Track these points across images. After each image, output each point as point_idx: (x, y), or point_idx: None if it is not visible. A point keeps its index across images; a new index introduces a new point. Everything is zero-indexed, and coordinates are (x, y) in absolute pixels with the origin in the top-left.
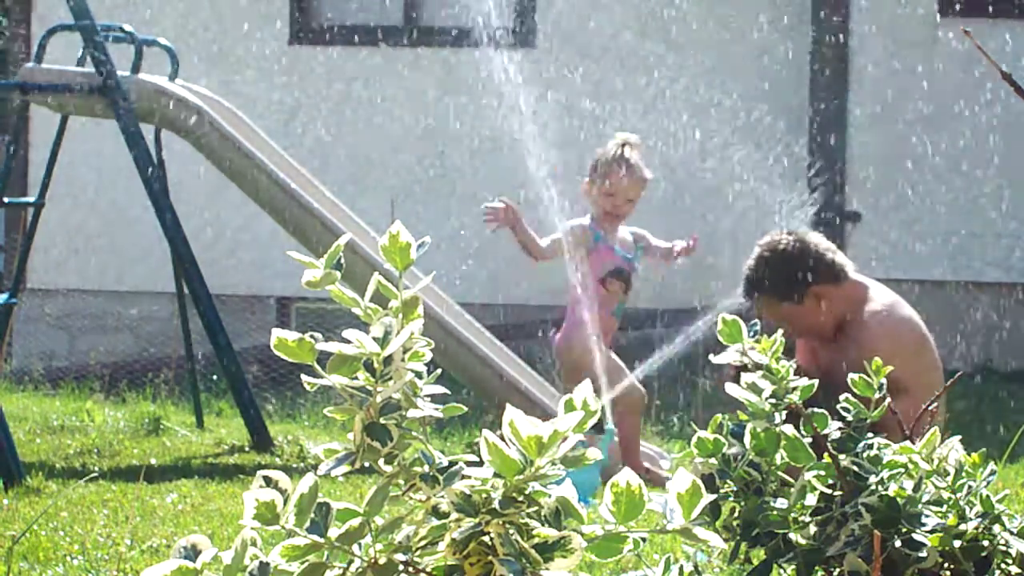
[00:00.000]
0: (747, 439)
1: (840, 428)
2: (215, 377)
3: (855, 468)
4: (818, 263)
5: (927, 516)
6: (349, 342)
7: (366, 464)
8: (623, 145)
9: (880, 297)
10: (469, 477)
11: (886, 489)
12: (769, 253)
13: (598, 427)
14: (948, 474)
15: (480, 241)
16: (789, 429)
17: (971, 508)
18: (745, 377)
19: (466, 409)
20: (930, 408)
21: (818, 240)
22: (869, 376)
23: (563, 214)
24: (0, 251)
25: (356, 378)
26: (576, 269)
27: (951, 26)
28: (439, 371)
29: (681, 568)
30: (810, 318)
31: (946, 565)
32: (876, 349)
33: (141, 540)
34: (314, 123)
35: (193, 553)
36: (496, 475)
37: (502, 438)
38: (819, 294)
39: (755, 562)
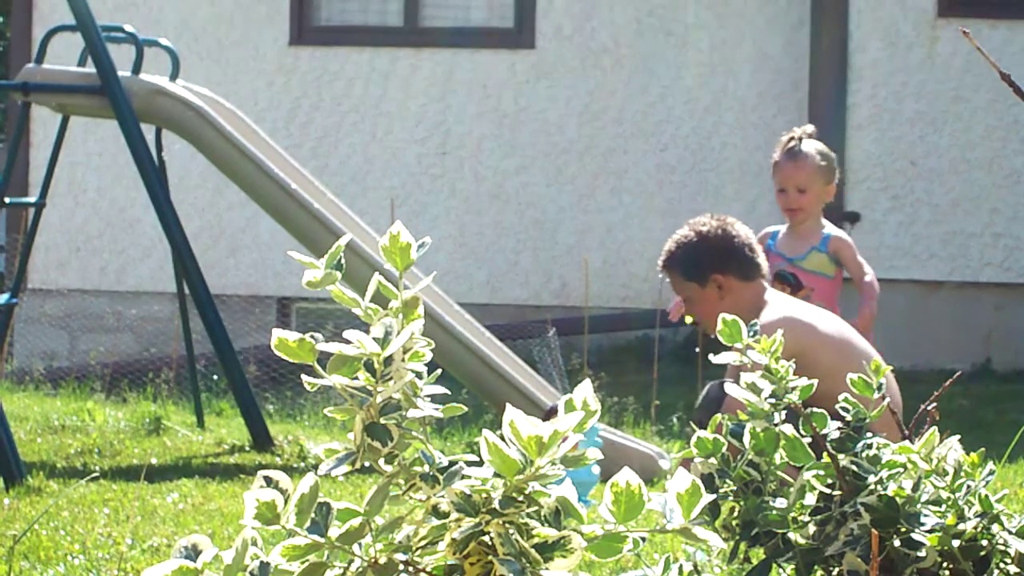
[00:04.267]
0: (746, 439)
1: (839, 428)
2: (216, 377)
3: (854, 468)
4: (731, 253)
5: (926, 516)
6: (349, 342)
7: (366, 464)
8: (792, 137)
9: (773, 308)
10: (469, 477)
11: (885, 489)
12: (689, 230)
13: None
14: (947, 474)
15: (480, 241)
16: (788, 429)
17: (970, 508)
18: (744, 377)
19: (466, 409)
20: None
21: (743, 233)
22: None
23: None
24: (1, 251)
25: (356, 378)
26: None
27: (950, 26)
28: (439, 371)
29: (681, 567)
30: (708, 305)
31: (945, 565)
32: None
33: (142, 539)
34: (314, 123)
35: (194, 553)
36: (496, 475)
37: (502, 438)
38: (721, 283)
39: (754, 561)
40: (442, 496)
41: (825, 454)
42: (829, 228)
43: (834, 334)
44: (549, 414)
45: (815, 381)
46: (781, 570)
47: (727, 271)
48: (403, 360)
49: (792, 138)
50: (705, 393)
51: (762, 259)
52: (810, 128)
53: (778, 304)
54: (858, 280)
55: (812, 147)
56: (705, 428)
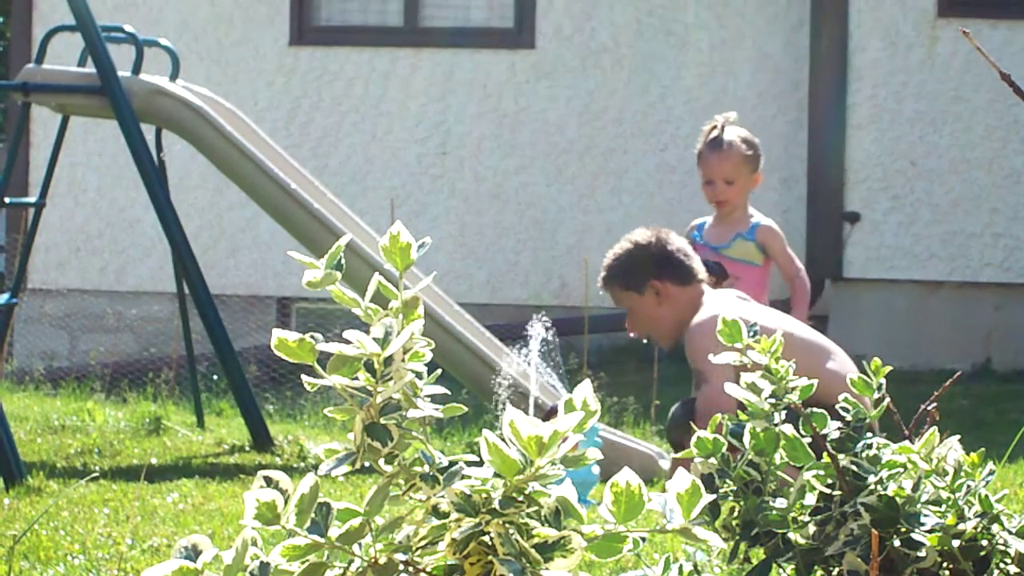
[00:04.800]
0: (746, 439)
1: (839, 428)
2: (216, 377)
3: (854, 468)
4: (667, 259)
5: (926, 516)
6: (349, 342)
7: (366, 464)
8: (715, 126)
9: (706, 307)
10: (469, 477)
11: (885, 489)
12: (626, 243)
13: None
14: (947, 474)
15: (480, 241)
16: (788, 429)
17: (970, 508)
18: (744, 377)
19: (466, 409)
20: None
21: (677, 241)
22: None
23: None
24: (1, 251)
25: (356, 378)
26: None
27: (950, 26)
28: (439, 371)
29: (681, 568)
30: (648, 312)
31: (945, 565)
32: (689, 347)
33: (142, 540)
34: (314, 123)
35: (194, 553)
36: (496, 475)
37: (502, 438)
38: (659, 289)
39: (754, 561)
40: (442, 496)
41: (825, 454)
42: (758, 217)
43: (771, 326)
44: (549, 414)
45: (815, 381)
46: (781, 570)
47: (663, 277)
48: (403, 360)
49: (715, 127)
50: (671, 415)
51: (698, 263)
52: (732, 115)
53: (711, 303)
54: (788, 275)
55: (736, 135)
56: (682, 448)
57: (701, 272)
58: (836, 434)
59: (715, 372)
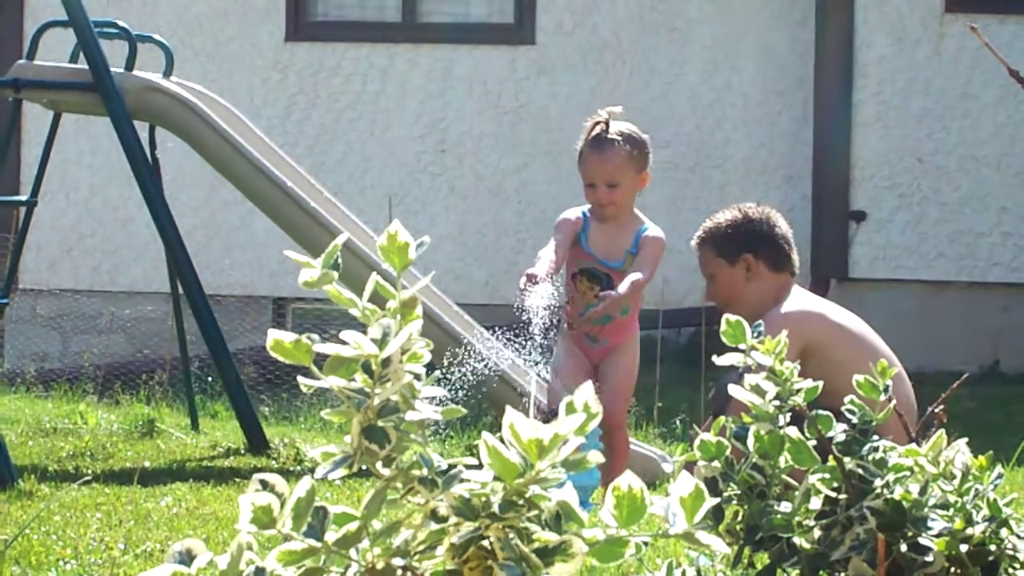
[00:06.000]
0: (751, 442)
1: (845, 431)
2: (210, 379)
3: (860, 471)
4: (768, 240)
5: (933, 520)
6: (346, 343)
7: (364, 467)
8: (599, 120)
9: (793, 300)
10: (468, 481)
11: (892, 492)
12: (735, 211)
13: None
14: (955, 477)
15: (479, 241)
16: (793, 432)
17: (978, 512)
18: (748, 379)
19: (465, 411)
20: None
21: (783, 227)
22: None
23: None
24: None
25: (354, 380)
26: (555, 257)
27: (957, 22)
28: (437, 372)
29: (684, 572)
30: (732, 284)
31: (952, 570)
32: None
33: (135, 544)
34: (311, 120)
35: (188, 557)
36: (496, 478)
37: (502, 441)
38: (751, 265)
39: (759, 566)
40: (441, 500)
41: (831, 457)
42: (644, 223)
43: (852, 329)
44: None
45: (820, 383)
46: (786, 575)
47: (759, 255)
48: (401, 361)
49: (597, 123)
50: (718, 387)
51: (796, 257)
52: (617, 109)
53: (798, 297)
54: (634, 269)
55: (620, 133)
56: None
57: (797, 266)
58: (842, 437)
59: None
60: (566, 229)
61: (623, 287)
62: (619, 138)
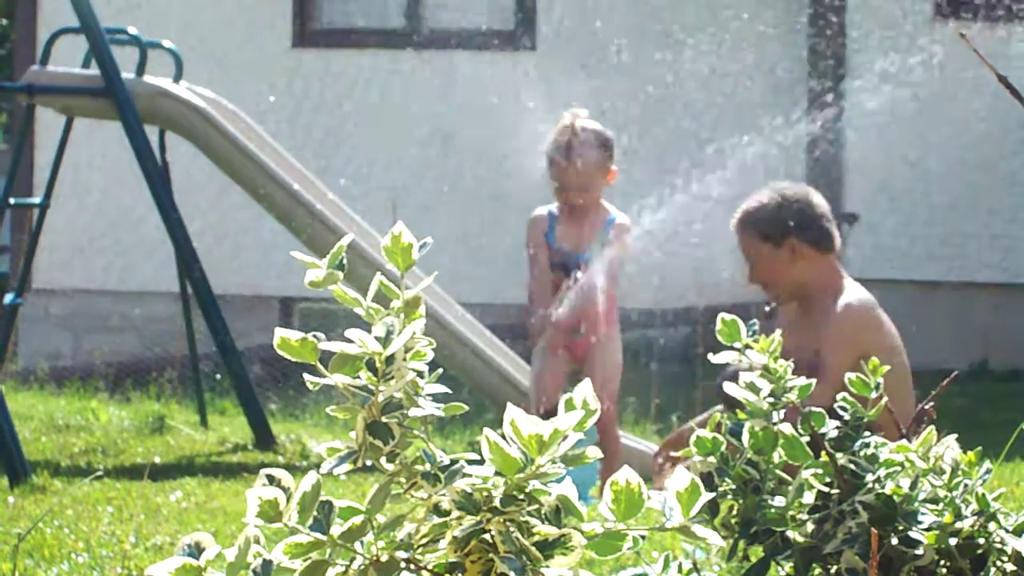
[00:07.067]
0: (745, 438)
1: (837, 427)
2: (219, 376)
3: (852, 466)
4: (812, 221)
5: (923, 514)
6: (351, 342)
7: (368, 463)
8: (567, 126)
9: (855, 291)
10: (470, 475)
11: (883, 487)
12: (774, 193)
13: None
14: (944, 472)
15: (481, 242)
16: (787, 428)
17: (967, 506)
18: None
19: (467, 408)
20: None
21: (822, 204)
22: (865, 374)
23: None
24: (6, 252)
25: (358, 377)
26: (531, 261)
27: (946, 28)
28: (440, 370)
29: (680, 565)
30: (778, 268)
31: (942, 563)
32: (837, 326)
33: (145, 538)
34: (316, 125)
35: (197, 550)
36: (497, 473)
37: (503, 436)
38: (796, 249)
39: (753, 559)
40: (443, 494)
41: (823, 453)
42: (611, 212)
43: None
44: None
45: (813, 381)
46: (780, 568)
47: (804, 238)
48: (405, 359)
49: (565, 127)
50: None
51: (836, 232)
52: (583, 112)
53: (854, 288)
54: (608, 258)
55: (589, 139)
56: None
57: (839, 243)
58: (834, 433)
59: (840, 369)
60: (536, 239)
61: (592, 269)
62: (588, 144)
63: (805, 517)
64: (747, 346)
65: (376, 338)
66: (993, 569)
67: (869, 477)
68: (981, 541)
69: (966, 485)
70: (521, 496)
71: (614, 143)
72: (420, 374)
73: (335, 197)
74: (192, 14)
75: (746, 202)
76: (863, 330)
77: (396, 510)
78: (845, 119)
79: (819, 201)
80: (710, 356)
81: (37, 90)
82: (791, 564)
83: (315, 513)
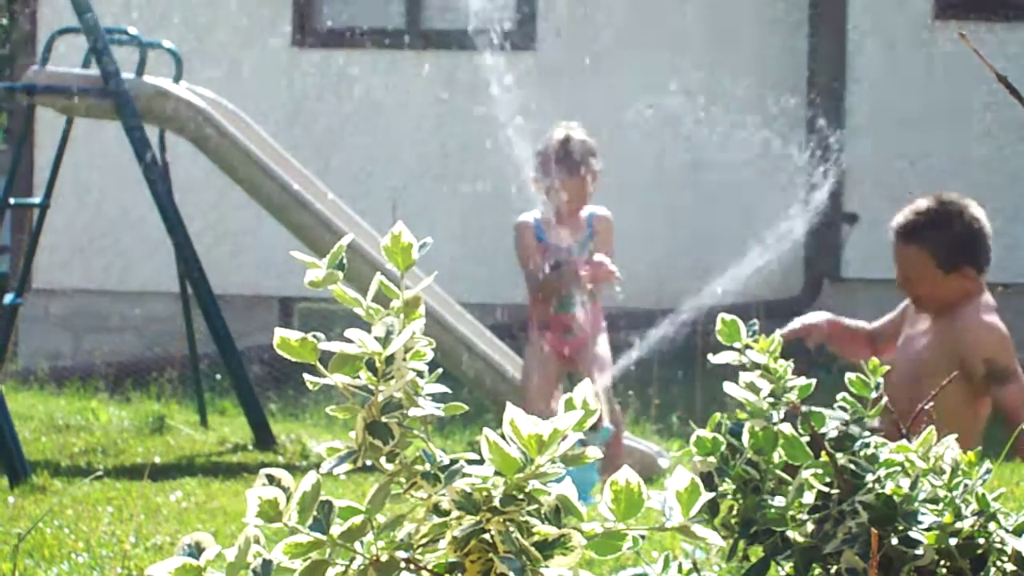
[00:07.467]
0: (745, 437)
1: (836, 427)
2: (219, 376)
3: (852, 466)
4: (983, 247)
5: (923, 514)
6: (351, 342)
7: (368, 462)
8: (560, 140)
9: (988, 299)
10: (470, 475)
11: (883, 487)
12: (958, 218)
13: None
14: (944, 472)
15: (481, 242)
16: (787, 428)
17: (967, 506)
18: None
19: (467, 408)
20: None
21: (987, 223)
22: (975, 363)
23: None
24: (6, 251)
25: (358, 377)
26: (526, 266)
27: (947, 28)
28: (440, 370)
29: (680, 565)
30: (940, 287)
31: (942, 563)
32: (980, 341)
33: (145, 537)
34: (316, 125)
35: (197, 550)
36: (497, 473)
37: (503, 436)
38: (965, 275)
39: (753, 559)
40: (443, 494)
41: (823, 453)
42: (591, 208)
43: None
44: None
45: (813, 381)
46: (779, 568)
47: (974, 265)
48: (405, 359)
49: (559, 141)
50: None
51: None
52: (573, 124)
53: (990, 300)
54: (596, 254)
55: (583, 153)
56: None
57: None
58: (834, 433)
59: (1019, 370)
60: (528, 239)
61: (600, 260)
62: (583, 156)
63: (805, 517)
64: (747, 346)
65: (376, 338)
66: (993, 569)
67: (869, 477)
68: (981, 541)
69: (966, 485)
70: (521, 496)
71: (598, 154)
72: (420, 374)
73: (335, 197)
74: (192, 14)
75: (918, 211)
76: (1001, 328)
77: (396, 510)
78: (845, 119)
79: (986, 222)
80: (709, 356)
81: (37, 90)
82: (791, 564)
83: (315, 513)
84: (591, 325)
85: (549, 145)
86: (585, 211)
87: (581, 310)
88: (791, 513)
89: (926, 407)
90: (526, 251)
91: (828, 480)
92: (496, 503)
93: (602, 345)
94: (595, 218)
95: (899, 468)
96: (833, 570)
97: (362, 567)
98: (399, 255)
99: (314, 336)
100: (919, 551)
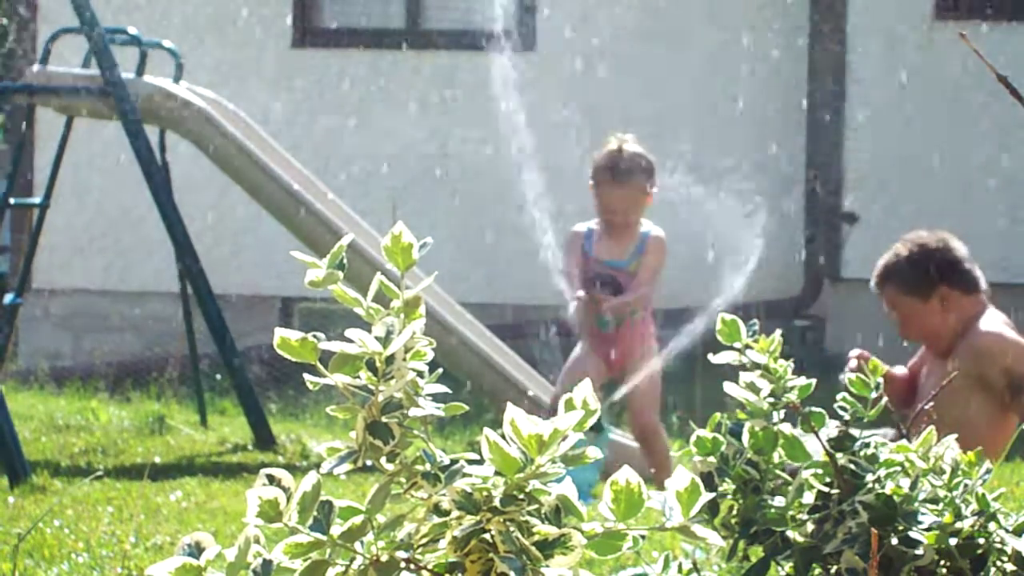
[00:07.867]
0: (745, 437)
1: (837, 427)
2: (219, 376)
3: (852, 467)
4: (954, 266)
5: (923, 514)
6: (351, 341)
7: (368, 462)
8: (615, 150)
9: (995, 316)
10: (470, 475)
11: (883, 487)
12: (911, 245)
13: (596, 426)
14: (944, 472)
15: (481, 242)
16: (787, 428)
17: (967, 506)
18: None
19: (467, 408)
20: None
21: (961, 247)
22: (990, 379)
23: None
24: (6, 251)
25: (358, 377)
26: (566, 276)
27: (947, 28)
28: (440, 370)
29: (680, 565)
30: (929, 319)
31: (942, 563)
32: (991, 350)
33: (145, 538)
34: (316, 125)
35: (197, 550)
36: (497, 473)
37: (503, 436)
38: (945, 297)
39: (753, 559)
40: (443, 494)
41: (823, 453)
42: (647, 226)
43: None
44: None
45: (813, 381)
46: (780, 568)
47: (952, 284)
48: (405, 359)
49: (612, 152)
50: None
51: (978, 271)
52: (629, 136)
53: (994, 315)
54: (636, 282)
55: (636, 165)
56: None
57: (983, 281)
58: (834, 433)
59: None
60: (575, 250)
61: (627, 296)
62: (636, 170)
63: (805, 517)
64: (747, 346)
65: (376, 338)
66: (993, 569)
67: (869, 477)
68: (981, 541)
69: (966, 485)
70: (521, 496)
71: (655, 168)
72: (420, 374)
73: (335, 197)
74: (192, 14)
75: (883, 258)
76: (1012, 340)
77: (396, 510)
78: (845, 120)
79: (957, 244)
80: (710, 356)
81: (37, 90)
82: (791, 564)
83: (315, 513)
84: (638, 340)
85: (600, 155)
86: (644, 226)
87: (626, 327)
88: (791, 513)
89: (926, 408)
90: (566, 261)
91: (828, 480)
92: (496, 503)
93: (648, 361)
94: (649, 237)
95: (899, 468)
96: (833, 570)
97: (362, 567)
98: (399, 255)
99: (314, 336)
100: (919, 551)
